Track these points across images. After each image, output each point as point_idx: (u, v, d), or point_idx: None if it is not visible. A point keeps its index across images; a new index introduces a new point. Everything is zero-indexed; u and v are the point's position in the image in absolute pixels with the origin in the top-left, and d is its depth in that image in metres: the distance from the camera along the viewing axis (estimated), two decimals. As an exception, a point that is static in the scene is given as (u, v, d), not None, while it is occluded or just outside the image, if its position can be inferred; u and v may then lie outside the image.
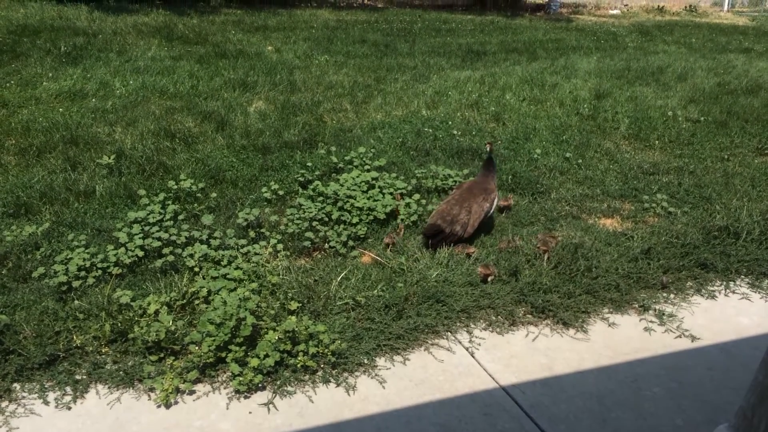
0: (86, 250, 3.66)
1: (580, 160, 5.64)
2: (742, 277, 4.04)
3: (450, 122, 6.42)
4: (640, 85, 8.56)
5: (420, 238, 4.15)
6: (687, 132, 6.63)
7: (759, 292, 3.89)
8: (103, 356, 3.03)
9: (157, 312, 3.25)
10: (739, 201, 4.97)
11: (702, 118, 7.08)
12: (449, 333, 3.35)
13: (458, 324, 3.41)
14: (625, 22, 16.06)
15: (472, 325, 3.42)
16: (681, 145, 6.26)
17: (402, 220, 4.36)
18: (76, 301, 3.33)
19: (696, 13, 19.00)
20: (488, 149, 4.54)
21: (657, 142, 6.30)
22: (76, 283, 3.44)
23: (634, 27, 14.94)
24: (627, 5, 19.38)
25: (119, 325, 3.13)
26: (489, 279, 3.72)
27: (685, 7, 19.76)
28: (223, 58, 8.68)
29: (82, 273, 3.52)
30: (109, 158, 4.89)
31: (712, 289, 3.89)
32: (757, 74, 9.60)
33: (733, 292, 3.89)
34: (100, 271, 3.57)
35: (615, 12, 17.94)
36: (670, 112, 7.23)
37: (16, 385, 2.85)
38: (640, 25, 15.45)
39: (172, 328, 3.11)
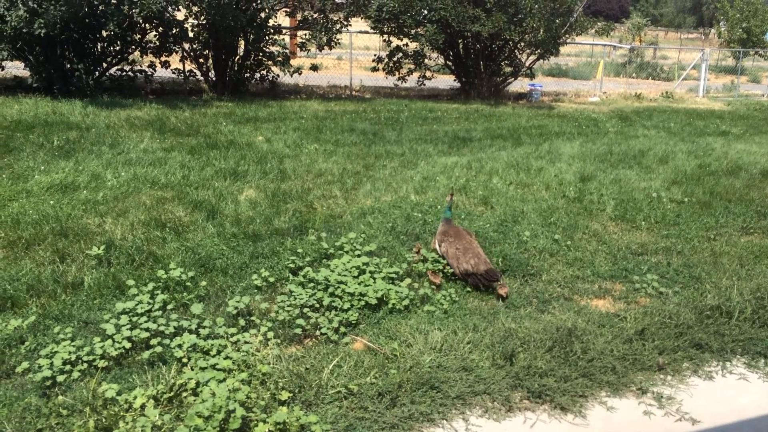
0: (72, 343, 3.59)
1: (568, 242, 5.69)
2: (738, 356, 4.00)
3: (439, 207, 6.50)
4: (623, 168, 8.77)
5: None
6: (672, 213, 6.73)
7: (756, 372, 3.84)
8: (86, 454, 2.91)
9: (143, 406, 3.15)
10: (729, 280, 4.99)
11: (686, 199, 7.22)
12: (445, 421, 3.26)
13: (454, 411, 3.32)
14: (605, 108, 16.61)
15: (468, 412, 3.33)
16: (667, 226, 6.35)
17: (393, 305, 4.32)
18: (60, 397, 3.22)
19: (673, 99, 19.70)
20: (449, 200, 5.25)
21: (643, 223, 6.39)
22: (60, 378, 3.35)
23: (613, 113, 15.45)
24: (605, 92, 20.09)
25: (104, 420, 3.02)
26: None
27: (662, 93, 20.51)
28: (215, 148, 8.85)
29: (67, 367, 3.43)
30: (99, 249, 4.88)
31: (708, 369, 3.84)
32: (736, 156, 9.88)
33: (730, 372, 3.84)
34: (85, 365, 3.48)
35: (594, 99, 18.58)
36: (654, 194, 7.37)
37: (-7, 488, 2.72)
38: (620, 111, 15.98)
39: (159, 423, 3.00)
